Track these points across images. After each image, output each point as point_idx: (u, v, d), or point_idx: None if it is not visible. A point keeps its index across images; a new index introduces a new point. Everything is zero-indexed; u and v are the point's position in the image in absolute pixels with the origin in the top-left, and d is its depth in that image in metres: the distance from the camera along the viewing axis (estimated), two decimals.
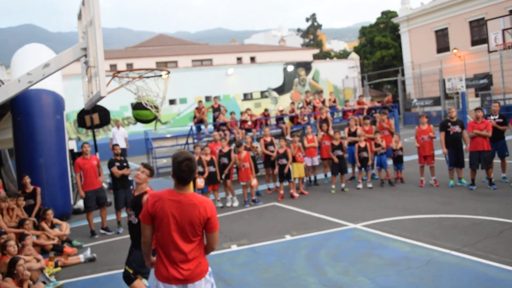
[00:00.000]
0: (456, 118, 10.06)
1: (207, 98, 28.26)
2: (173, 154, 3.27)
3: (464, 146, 9.99)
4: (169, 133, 25.27)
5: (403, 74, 33.56)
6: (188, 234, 3.22)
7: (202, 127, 15.14)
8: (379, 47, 38.48)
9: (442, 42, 32.13)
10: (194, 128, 14.81)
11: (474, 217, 7.48)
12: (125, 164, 9.11)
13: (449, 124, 9.94)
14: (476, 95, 28.78)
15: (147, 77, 5.14)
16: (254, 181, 10.31)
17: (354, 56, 37.96)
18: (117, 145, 9.49)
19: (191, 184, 3.33)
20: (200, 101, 15.17)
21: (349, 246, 6.71)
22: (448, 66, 29.96)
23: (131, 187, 9.42)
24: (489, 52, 21.56)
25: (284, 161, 10.44)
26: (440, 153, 12.13)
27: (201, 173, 9.90)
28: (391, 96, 17.14)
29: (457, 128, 9.87)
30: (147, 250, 3.46)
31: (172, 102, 29.25)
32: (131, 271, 4.82)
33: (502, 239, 6.27)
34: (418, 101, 30.46)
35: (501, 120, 9.79)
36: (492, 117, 9.89)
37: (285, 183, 10.97)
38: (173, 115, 29.40)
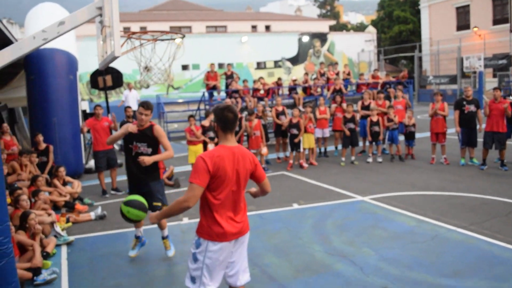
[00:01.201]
0: (472, 97, 9.91)
1: (220, 65, 28.04)
2: (212, 109, 3.26)
3: (478, 126, 9.88)
4: (181, 98, 25.28)
5: (420, 50, 32.89)
6: (243, 186, 3.31)
7: (214, 93, 15.10)
8: (398, 22, 37.59)
9: (463, 19, 31.26)
10: (206, 94, 14.76)
11: (483, 197, 7.47)
12: None
13: (464, 103, 9.80)
14: (494, 76, 28.16)
15: (162, 40, 5.09)
16: (264, 150, 10.35)
17: (371, 30, 37.20)
18: (129, 107, 9.54)
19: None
20: (212, 64, 15.03)
21: (356, 217, 6.77)
22: (467, 45, 29.26)
23: None
24: (511, 31, 20.94)
25: (295, 131, 10.42)
26: (453, 131, 12.01)
27: (212, 139, 9.94)
28: (406, 72, 16.88)
29: (472, 107, 9.74)
30: (179, 212, 3.28)
31: (184, 67, 29.11)
32: (160, 204, 5.18)
33: (509, 220, 6.27)
34: (434, 78, 29.95)
35: None
36: (511, 97, 9.73)
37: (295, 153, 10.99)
38: (186, 81, 29.31)
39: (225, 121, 3.22)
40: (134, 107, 13.85)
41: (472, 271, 4.71)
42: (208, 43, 29.51)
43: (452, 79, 28.03)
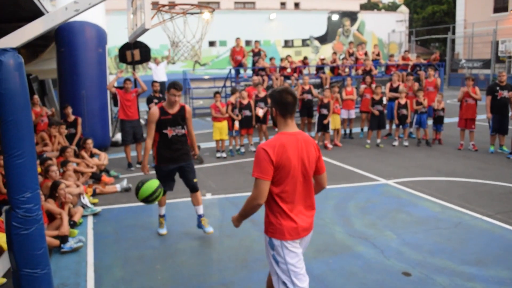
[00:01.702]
0: (506, 83, 9.59)
1: (247, 43, 27.83)
2: (269, 93, 3.07)
3: (510, 113, 9.58)
4: (207, 74, 25.29)
5: (453, 33, 31.84)
6: (310, 176, 3.03)
7: (241, 70, 15.03)
8: (431, 2, 36.37)
9: (501, 1, 30.00)
10: (232, 71, 14.71)
11: (511, 186, 7.29)
12: (163, 101, 9.24)
13: (498, 88, 9.49)
14: None
15: (191, 13, 5.07)
16: None
17: (404, 9, 36.10)
18: (156, 82, 9.60)
19: None
20: (238, 38, 14.90)
21: (379, 200, 6.72)
22: (504, 28, 28.13)
23: None
24: None
25: (325, 111, 10.33)
26: (483, 118, 11.69)
27: (238, 116, 9.95)
28: (438, 54, 16.40)
29: (505, 93, 9.42)
30: (253, 212, 3.01)
31: (212, 44, 29.00)
32: (196, 180, 5.43)
33: None
34: (466, 62, 29.04)
35: None
36: None
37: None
38: (212, 57, 29.25)
39: (284, 104, 2.95)
40: (163, 78, 13.93)
41: (496, 260, 4.63)
42: (236, 20, 29.25)
43: (486, 64, 27.13)
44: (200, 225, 5.52)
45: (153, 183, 4.53)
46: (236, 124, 9.90)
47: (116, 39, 19.01)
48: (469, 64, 28.56)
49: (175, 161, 5.26)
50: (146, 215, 6.34)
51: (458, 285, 4.14)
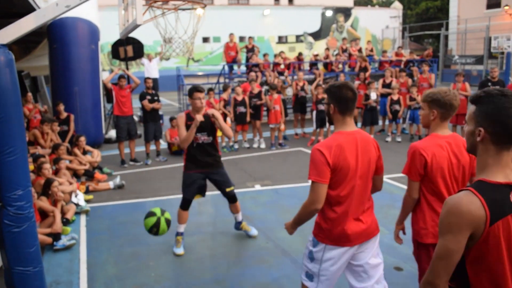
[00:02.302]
0: (498, 79, 9.65)
1: (241, 39, 27.77)
2: (326, 88, 2.87)
3: None
4: (201, 71, 25.24)
5: (447, 29, 31.94)
6: (369, 178, 2.86)
7: (235, 67, 15.01)
8: None
9: None
10: (226, 67, 14.69)
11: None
12: (156, 98, 9.22)
13: (489, 84, 9.55)
14: None
15: (183, 9, 5.05)
16: (282, 126, 10.34)
17: (397, 5, 36.16)
18: (149, 78, 9.57)
19: None
20: (231, 34, 14.87)
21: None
22: (497, 24, 28.26)
23: (161, 121, 9.56)
24: None
25: (322, 107, 10.38)
26: None
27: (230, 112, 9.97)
28: (431, 50, 16.50)
29: None
30: (309, 218, 2.89)
31: (205, 40, 28.92)
32: (233, 187, 5.16)
33: None
34: (459, 58, 29.14)
35: None
36: None
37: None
38: (206, 53, 29.18)
39: (344, 100, 2.74)
40: (155, 75, 13.86)
41: None
42: (229, 16, 29.19)
43: (479, 60, 27.24)
44: (238, 227, 5.42)
45: (148, 222, 4.09)
46: (228, 120, 9.90)
47: (109, 35, 18.91)
48: (462, 60, 28.68)
49: (201, 168, 4.92)
50: (139, 212, 6.32)
51: None
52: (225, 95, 10.17)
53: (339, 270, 2.89)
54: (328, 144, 2.72)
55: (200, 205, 6.52)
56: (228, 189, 5.08)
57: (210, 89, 9.92)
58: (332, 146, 2.70)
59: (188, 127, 4.75)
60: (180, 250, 4.97)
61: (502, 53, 23.88)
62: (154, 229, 4.05)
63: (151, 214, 4.09)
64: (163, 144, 10.30)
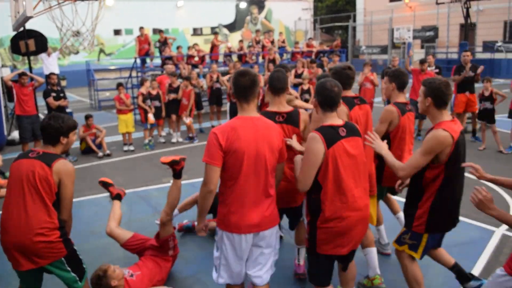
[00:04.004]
0: (398, 67, 10.32)
1: (155, 31, 27.07)
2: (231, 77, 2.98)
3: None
4: (113, 65, 24.24)
5: (354, 20, 33.61)
6: (269, 167, 2.87)
7: (147, 60, 14.60)
8: None
9: None
10: (138, 61, 14.24)
11: None
12: (62, 94, 8.71)
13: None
14: (422, 47, 29.52)
15: (81, 0, 4.78)
16: (187, 120, 10.15)
17: None
18: (53, 74, 9.01)
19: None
20: (141, 28, 14.42)
21: None
22: (398, 16, 30.26)
23: None
24: (437, 3, 21.90)
25: None
26: (378, 100, 12.52)
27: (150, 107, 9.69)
28: (339, 41, 17.25)
29: None
30: (206, 202, 2.94)
31: (117, 32, 27.77)
32: None
33: None
34: (366, 48, 30.85)
35: (437, 70, 10.19)
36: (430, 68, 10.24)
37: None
38: (118, 46, 28.03)
39: (241, 88, 2.83)
40: (56, 71, 13.00)
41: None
42: (142, 7, 28.23)
43: (383, 50, 29.03)
44: None
45: None
46: (150, 116, 9.61)
47: (8, 29, 17.53)
48: (369, 50, 30.38)
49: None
50: None
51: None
52: (143, 89, 9.83)
53: (239, 259, 2.89)
54: (223, 128, 2.76)
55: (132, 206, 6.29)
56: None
57: (120, 84, 9.56)
58: (227, 130, 2.73)
59: None
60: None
61: (404, 43, 25.65)
62: None
63: None
64: None
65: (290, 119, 3.46)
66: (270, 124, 2.90)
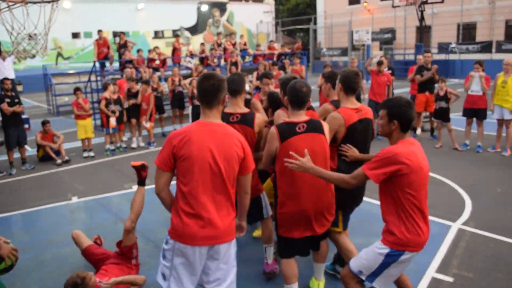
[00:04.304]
0: (357, 68, 10.57)
1: (115, 34, 26.56)
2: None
3: (362, 95, 10.59)
4: (72, 69, 23.57)
5: (315, 23, 34.11)
6: (226, 175, 2.72)
7: (107, 64, 14.31)
8: None
9: None
10: (97, 64, 13.94)
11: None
12: (16, 100, 8.41)
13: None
14: (380, 49, 30.30)
15: (33, 2, 4.61)
16: (147, 124, 10.04)
17: (270, 1, 37.60)
18: (6, 79, 8.68)
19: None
20: (100, 31, 14.14)
21: None
22: (358, 19, 30.95)
23: (26, 125, 8.72)
24: (393, 7, 22.56)
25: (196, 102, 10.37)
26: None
27: (114, 112, 9.48)
28: (300, 43, 17.49)
29: None
30: (163, 203, 2.92)
31: (75, 35, 27.07)
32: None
33: None
34: (327, 50, 31.37)
35: (390, 71, 10.56)
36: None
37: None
38: (77, 50, 27.33)
39: (203, 92, 2.76)
40: (11, 76, 12.52)
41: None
42: (101, 9, 27.64)
43: (344, 51, 29.61)
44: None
45: None
46: (112, 121, 9.40)
47: None
48: (329, 52, 30.90)
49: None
50: (4, 228, 5.75)
51: None
52: (106, 94, 9.59)
53: (193, 270, 2.73)
54: (179, 132, 2.70)
55: (72, 213, 6.13)
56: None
57: (77, 89, 9.32)
58: (181, 134, 2.65)
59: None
60: None
61: (363, 45, 26.25)
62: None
63: None
64: (29, 151, 9.47)
65: (244, 119, 3.74)
66: (231, 132, 2.74)
